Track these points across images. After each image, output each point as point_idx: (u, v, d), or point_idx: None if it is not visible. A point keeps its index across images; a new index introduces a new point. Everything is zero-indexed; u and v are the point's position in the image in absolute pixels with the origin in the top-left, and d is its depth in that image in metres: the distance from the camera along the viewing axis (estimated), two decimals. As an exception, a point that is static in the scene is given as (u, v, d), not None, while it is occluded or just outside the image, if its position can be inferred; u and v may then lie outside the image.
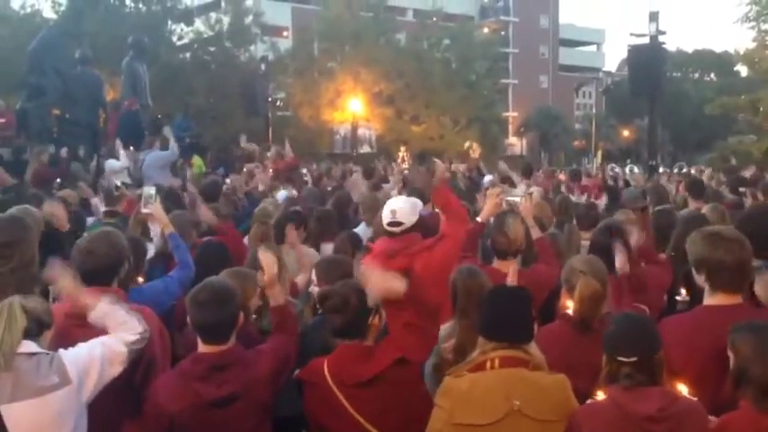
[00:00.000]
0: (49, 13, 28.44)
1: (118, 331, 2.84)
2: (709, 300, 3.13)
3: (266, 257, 3.25)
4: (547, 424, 2.71)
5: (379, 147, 37.08)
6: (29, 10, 29.78)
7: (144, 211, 4.57)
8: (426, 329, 3.10)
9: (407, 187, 7.77)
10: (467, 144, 11.03)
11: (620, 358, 2.64)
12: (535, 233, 4.51)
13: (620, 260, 3.82)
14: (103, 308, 2.90)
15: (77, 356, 2.68)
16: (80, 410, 2.66)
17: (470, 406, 2.74)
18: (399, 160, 19.17)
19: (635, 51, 20.06)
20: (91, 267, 3.25)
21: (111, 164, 10.32)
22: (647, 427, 2.56)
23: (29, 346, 2.59)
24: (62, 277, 2.97)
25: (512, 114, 53.43)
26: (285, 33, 42.23)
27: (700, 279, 3.16)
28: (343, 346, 3.04)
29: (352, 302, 3.00)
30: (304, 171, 12.73)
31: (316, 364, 3.04)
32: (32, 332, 2.58)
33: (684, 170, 15.25)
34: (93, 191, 7.97)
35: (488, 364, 2.79)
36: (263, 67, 23.60)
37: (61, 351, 2.68)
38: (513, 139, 52.11)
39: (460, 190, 7.99)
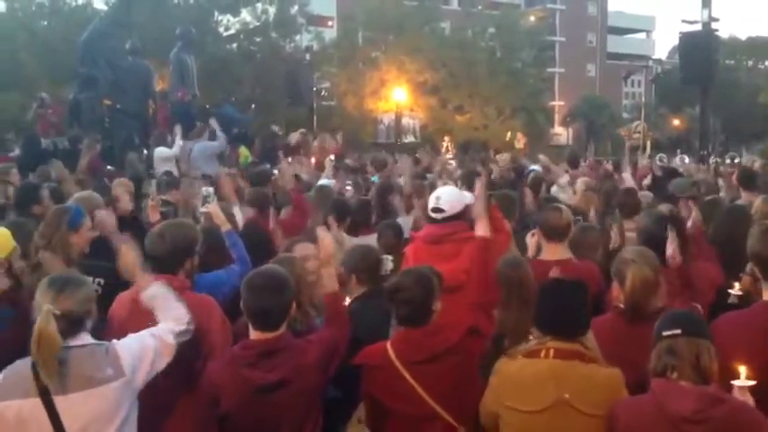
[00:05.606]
0: (99, 5, 29.01)
1: (167, 318, 2.91)
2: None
3: (325, 235, 3.39)
4: (594, 418, 2.70)
5: (422, 136, 36.97)
6: (80, 1, 30.44)
7: (202, 209, 4.69)
8: (489, 307, 3.18)
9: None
10: (509, 135, 11.02)
11: (665, 333, 2.61)
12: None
13: (671, 249, 3.75)
14: (154, 291, 2.97)
15: (131, 347, 2.74)
16: (132, 400, 2.72)
17: (518, 391, 2.76)
18: (443, 150, 19.11)
19: (687, 38, 19.58)
20: (159, 253, 3.36)
21: (160, 151, 10.51)
22: (683, 428, 2.49)
23: (83, 337, 2.65)
24: (126, 252, 3.08)
25: (558, 103, 52.66)
26: (330, 23, 42.30)
27: (757, 272, 3.11)
28: (405, 329, 3.13)
29: (418, 293, 3.09)
30: (348, 161, 12.77)
31: (376, 348, 3.12)
32: (68, 333, 2.59)
33: (737, 160, 14.82)
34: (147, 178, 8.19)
35: (543, 353, 2.80)
36: (307, 57, 23.73)
37: (114, 342, 2.74)
38: (559, 129, 51.39)
39: (505, 181, 7.96)
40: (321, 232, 3.47)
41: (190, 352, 2.99)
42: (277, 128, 13.32)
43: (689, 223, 4.31)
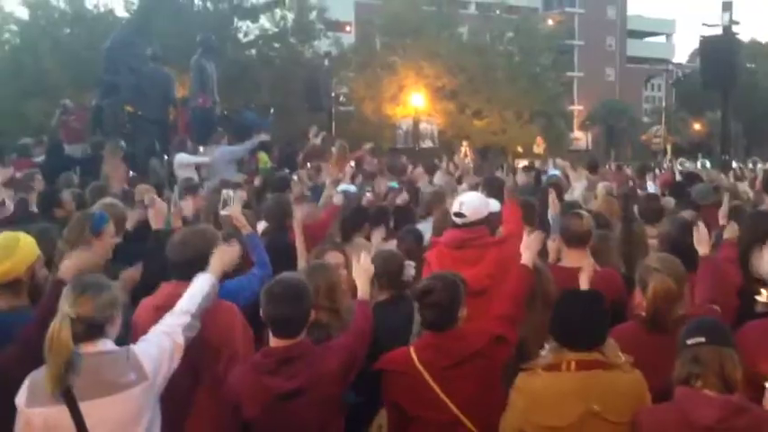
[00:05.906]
0: (121, 12, 29.34)
1: (180, 304, 2.97)
2: None
3: (366, 249, 3.52)
4: (621, 426, 2.70)
5: (441, 141, 36.87)
6: (102, 9, 30.80)
7: (223, 212, 4.69)
8: (515, 318, 3.19)
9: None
10: (519, 147, 10.94)
11: (689, 341, 2.59)
12: None
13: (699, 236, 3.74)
14: (200, 280, 3.09)
15: (149, 351, 2.76)
16: (155, 404, 2.75)
17: (545, 408, 2.75)
18: (462, 155, 19.05)
19: (707, 42, 19.40)
20: (182, 259, 3.38)
21: (180, 158, 10.58)
22: None
23: (104, 344, 2.67)
24: (232, 250, 3.33)
25: (577, 108, 52.42)
26: (348, 28, 42.47)
27: None
28: (430, 334, 3.15)
29: (446, 297, 3.11)
30: (366, 167, 12.75)
31: (399, 353, 3.13)
32: (85, 337, 2.60)
33: (759, 165, 14.70)
34: (168, 184, 8.24)
35: (564, 366, 2.78)
36: (326, 62, 23.79)
37: (133, 346, 2.76)
38: (578, 134, 51.11)
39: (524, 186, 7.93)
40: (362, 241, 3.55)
41: (194, 348, 3.01)
42: (315, 132, 13.24)
43: (725, 234, 4.30)
